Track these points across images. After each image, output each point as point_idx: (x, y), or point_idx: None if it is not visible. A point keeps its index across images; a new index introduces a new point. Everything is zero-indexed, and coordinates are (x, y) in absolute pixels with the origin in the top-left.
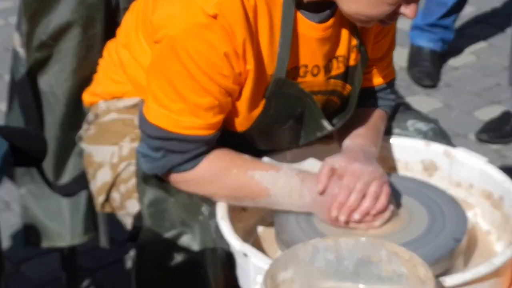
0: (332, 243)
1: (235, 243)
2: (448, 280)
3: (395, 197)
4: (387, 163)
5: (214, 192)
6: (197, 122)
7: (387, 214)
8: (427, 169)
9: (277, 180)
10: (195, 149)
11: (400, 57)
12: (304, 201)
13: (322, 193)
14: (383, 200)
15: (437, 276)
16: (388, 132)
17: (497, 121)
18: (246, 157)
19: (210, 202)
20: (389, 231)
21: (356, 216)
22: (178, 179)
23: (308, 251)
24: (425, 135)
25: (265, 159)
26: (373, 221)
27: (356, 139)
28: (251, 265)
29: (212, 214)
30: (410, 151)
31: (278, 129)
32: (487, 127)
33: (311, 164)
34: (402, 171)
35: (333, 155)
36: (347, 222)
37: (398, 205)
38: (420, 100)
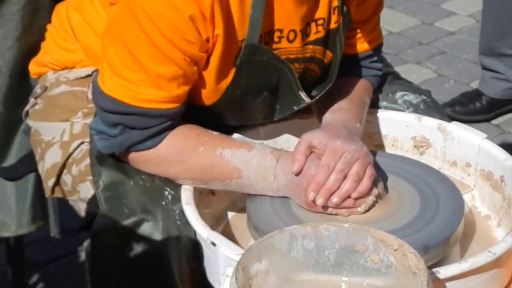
0: (312, 231)
1: (202, 231)
2: (443, 271)
3: (382, 179)
4: (373, 139)
5: (179, 173)
6: (159, 94)
7: (371, 198)
8: (418, 147)
9: (249, 159)
10: (157, 124)
11: (389, 20)
12: (279, 183)
13: (297, 173)
14: (366, 182)
15: (430, 267)
16: (374, 105)
17: (468, 95)
18: (215, 134)
19: (174, 185)
20: (375, 217)
21: (335, 199)
22: (138, 158)
23: (284, 240)
24: (416, 108)
25: (236, 136)
26: (355, 206)
27: (338, 113)
28: (220, 255)
29: (176, 199)
30: (399, 126)
31: (250, 102)
32: (456, 101)
33: (287, 141)
34: (390, 148)
35: (311, 131)
36: (325, 207)
37: (385, 187)
38: (411, 69)
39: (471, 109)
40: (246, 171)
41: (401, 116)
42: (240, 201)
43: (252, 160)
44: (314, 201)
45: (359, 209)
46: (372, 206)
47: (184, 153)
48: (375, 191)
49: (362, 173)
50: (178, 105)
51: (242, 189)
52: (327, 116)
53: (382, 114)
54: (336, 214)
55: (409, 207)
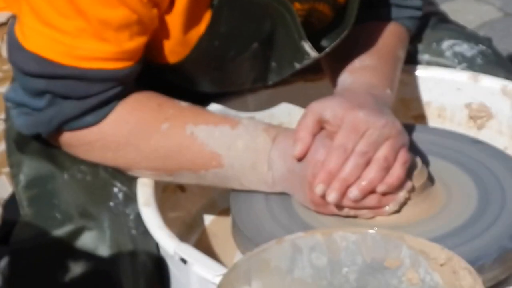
0: (323, 240)
1: (168, 244)
2: None
3: (422, 164)
4: (410, 109)
5: (133, 161)
6: (103, 49)
7: (402, 195)
8: (475, 118)
9: (233, 140)
10: (101, 91)
11: None
12: (275, 173)
13: (301, 158)
14: (398, 170)
15: None
16: (412, 60)
17: None
18: (184, 105)
19: (127, 179)
20: (412, 219)
21: (354, 193)
22: (74, 141)
23: (284, 254)
24: (471, 63)
25: (215, 107)
26: (381, 204)
27: (360, 75)
28: (193, 277)
29: (130, 198)
30: (448, 89)
31: (234, 58)
32: None
33: (288, 114)
34: (435, 121)
35: (322, 99)
36: (340, 206)
37: (427, 177)
38: (465, 7)
39: None
40: (228, 157)
41: (451, 74)
42: (222, 199)
43: (236, 141)
44: (323, 197)
45: (386, 208)
46: (404, 204)
47: (139, 132)
48: (409, 184)
49: (393, 158)
50: (130, 64)
51: (223, 182)
52: (345, 79)
53: (423, 73)
54: (354, 217)
55: (461, 205)
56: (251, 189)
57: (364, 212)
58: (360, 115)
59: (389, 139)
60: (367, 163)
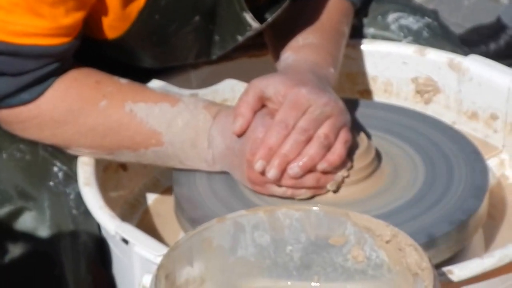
0: (266, 218)
1: (109, 224)
2: (457, 271)
3: (368, 141)
4: (356, 83)
5: (71, 138)
6: (39, 25)
7: (340, 174)
8: (422, 92)
9: (173, 118)
10: (37, 68)
11: None
12: (214, 150)
13: (240, 133)
14: (339, 149)
15: (439, 265)
16: (357, 34)
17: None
18: (123, 81)
19: (67, 158)
20: (359, 197)
21: (295, 169)
22: (10, 118)
23: (226, 232)
24: (417, 37)
25: (155, 84)
26: (319, 184)
27: (303, 53)
28: (135, 257)
29: (71, 177)
30: (394, 63)
31: (175, 32)
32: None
33: (232, 90)
34: (381, 95)
35: (264, 76)
36: (277, 185)
37: (374, 154)
38: None
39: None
40: (168, 134)
41: (396, 48)
42: (165, 178)
43: (177, 118)
44: (262, 174)
45: (328, 187)
46: (341, 183)
47: (77, 110)
48: (348, 164)
49: (334, 136)
50: (67, 40)
51: (164, 161)
52: (288, 56)
53: (368, 47)
54: (291, 198)
55: (407, 180)
56: (192, 168)
57: (302, 191)
58: (302, 92)
59: (330, 117)
60: (308, 140)
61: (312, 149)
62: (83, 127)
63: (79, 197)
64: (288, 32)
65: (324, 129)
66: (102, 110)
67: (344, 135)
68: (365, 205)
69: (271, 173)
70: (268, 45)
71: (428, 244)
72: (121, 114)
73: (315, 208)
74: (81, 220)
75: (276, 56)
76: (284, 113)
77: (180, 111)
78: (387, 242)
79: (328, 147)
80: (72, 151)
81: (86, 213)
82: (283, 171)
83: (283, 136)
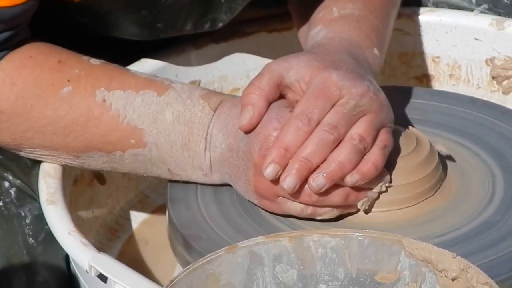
0: (291, 246)
1: (81, 254)
2: None
3: (431, 146)
4: (411, 66)
5: (23, 136)
6: None
7: (377, 188)
8: (499, 78)
9: (160, 110)
10: None
11: None
12: (214, 152)
13: (249, 129)
14: (376, 156)
15: None
16: (412, 1)
17: None
18: (95, 62)
19: (22, 169)
20: (413, 216)
21: (320, 180)
22: None
23: (238, 265)
24: (494, 3)
25: (140, 65)
26: (348, 201)
27: (339, 27)
28: None
29: (26, 195)
30: (463, 40)
31: None
32: None
33: (246, 77)
34: (444, 82)
35: (284, 57)
36: (295, 197)
37: (436, 160)
38: None
39: None
40: (152, 132)
41: (466, 19)
42: (155, 193)
43: (164, 111)
44: (274, 182)
45: (358, 205)
46: (374, 202)
47: (32, 97)
48: (387, 177)
49: (371, 138)
50: (20, 1)
51: (146, 168)
52: (318, 31)
53: (428, 17)
54: (311, 219)
55: (481, 196)
56: (183, 179)
57: (326, 210)
58: (333, 78)
59: (368, 113)
60: (337, 141)
61: (343, 154)
62: (39, 120)
63: (37, 221)
64: None
65: (358, 128)
66: (65, 99)
67: (383, 138)
68: (422, 229)
69: (287, 182)
70: (292, 15)
71: (510, 281)
72: (90, 104)
73: (357, 233)
74: (40, 251)
75: (303, 31)
76: (307, 104)
77: (170, 101)
78: (454, 279)
79: (362, 153)
80: (25, 154)
81: (47, 241)
82: (302, 181)
83: (305, 133)
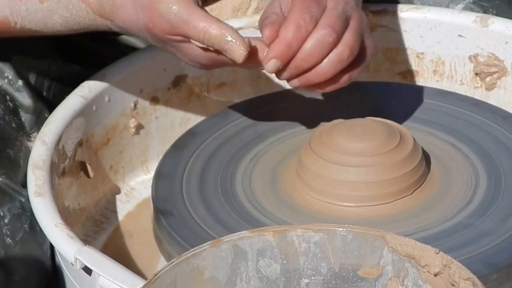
0: (274, 241)
1: (67, 247)
2: None
3: (415, 141)
4: (396, 62)
5: None
6: None
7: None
8: (482, 74)
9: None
10: None
11: None
12: None
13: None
14: (350, 35)
15: None
16: None
17: None
18: None
19: (3, 163)
20: (396, 212)
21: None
22: None
23: (222, 260)
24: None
25: (129, 57)
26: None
27: None
28: None
29: (5, 193)
30: (446, 36)
31: None
32: None
33: (232, 72)
34: (428, 78)
35: None
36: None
37: (420, 156)
38: None
39: None
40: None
41: (450, 16)
42: (141, 186)
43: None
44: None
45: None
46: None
47: None
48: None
49: (357, 46)
50: None
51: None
52: None
53: (413, 14)
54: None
55: (464, 192)
56: (68, 22)
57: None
58: None
59: (353, 19)
60: (334, 44)
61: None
62: None
63: (16, 220)
64: None
65: (349, 36)
66: None
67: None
68: (405, 224)
69: (286, 75)
70: None
71: (491, 276)
72: None
73: (340, 228)
74: (18, 250)
75: None
76: (304, 3)
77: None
78: (436, 274)
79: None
80: None
81: (26, 240)
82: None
83: (306, 32)
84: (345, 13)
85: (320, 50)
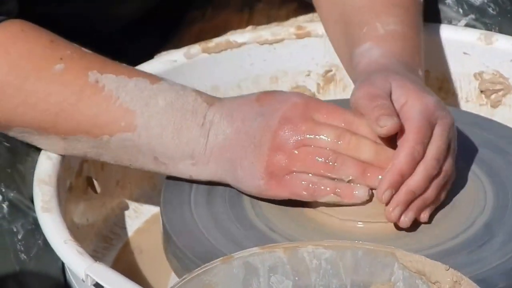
0: (286, 257)
1: (78, 263)
2: None
3: None
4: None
5: (14, 111)
6: None
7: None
8: (488, 92)
9: (153, 95)
10: None
11: None
12: (214, 139)
13: (392, 133)
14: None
15: None
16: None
17: None
18: (86, 50)
19: (13, 179)
20: (402, 228)
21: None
22: None
23: (234, 276)
24: (481, 15)
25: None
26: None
27: (386, 43)
28: None
29: (18, 209)
30: (450, 53)
31: None
32: None
33: (236, 87)
34: None
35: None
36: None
37: None
38: None
39: None
40: (143, 115)
41: (454, 34)
42: (149, 201)
43: (157, 96)
44: (291, 155)
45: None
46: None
47: (25, 69)
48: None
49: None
50: None
51: (131, 155)
52: (369, 48)
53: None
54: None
55: (472, 208)
56: (167, 170)
57: (327, 193)
58: (431, 105)
59: (451, 143)
60: (437, 176)
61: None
62: (32, 95)
63: (30, 236)
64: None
65: (448, 165)
66: (57, 75)
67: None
68: (413, 241)
69: (408, 218)
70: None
71: None
72: (82, 83)
73: (350, 245)
74: (32, 266)
75: (338, 40)
76: (419, 133)
77: (162, 89)
78: None
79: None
80: (13, 133)
81: (40, 256)
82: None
83: (417, 163)
84: (448, 140)
85: (425, 184)
